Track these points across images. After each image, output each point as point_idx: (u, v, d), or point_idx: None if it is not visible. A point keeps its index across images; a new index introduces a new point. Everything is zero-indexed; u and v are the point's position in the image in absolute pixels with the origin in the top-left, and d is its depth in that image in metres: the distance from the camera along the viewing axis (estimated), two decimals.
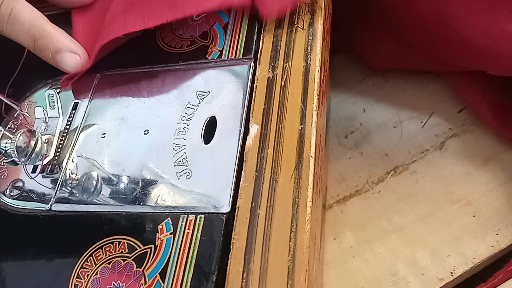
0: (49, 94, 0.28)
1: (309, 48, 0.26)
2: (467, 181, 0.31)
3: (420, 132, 0.35)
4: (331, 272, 0.30)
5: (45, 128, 0.28)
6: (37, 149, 0.26)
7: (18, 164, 0.27)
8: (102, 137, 0.27)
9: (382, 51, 0.35)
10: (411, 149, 0.34)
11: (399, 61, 0.35)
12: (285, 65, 0.26)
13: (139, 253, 0.23)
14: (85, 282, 0.23)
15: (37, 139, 0.26)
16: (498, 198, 0.30)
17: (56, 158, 0.27)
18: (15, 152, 0.25)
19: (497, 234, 0.29)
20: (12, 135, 0.26)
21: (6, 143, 0.26)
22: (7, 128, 0.30)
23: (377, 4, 0.32)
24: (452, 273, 0.28)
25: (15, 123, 0.30)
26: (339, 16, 0.36)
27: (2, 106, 0.31)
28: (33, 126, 0.29)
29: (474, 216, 0.30)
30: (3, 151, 0.26)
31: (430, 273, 0.29)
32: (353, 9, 0.35)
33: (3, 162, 0.28)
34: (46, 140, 0.27)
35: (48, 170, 0.27)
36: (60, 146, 0.27)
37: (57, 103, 0.29)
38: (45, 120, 0.28)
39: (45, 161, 0.26)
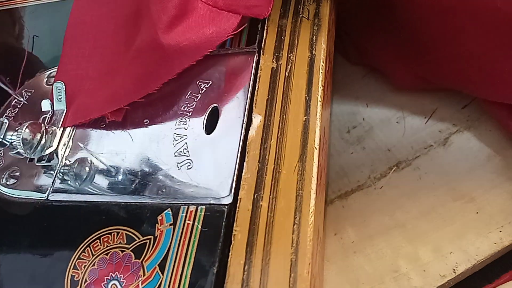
0: (57, 87, 0.28)
1: (314, 38, 0.25)
2: (470, 177, 0.31)
3: (424, 127, 0.34)
4: (332, 267, 0.30)
5: (50, 120, 0.28)
6: (43, 141, 0.26)
7: (23, 156, 0.26)
8: (101, 126, 0.27)
9: (409, 76, 0.33)
10: (414, 144, 0.34)
11: (427, 84, 0.33)
12: (289, 55, 0.25)
13: (138, 244, 0.22)
14: (82, 273, 0.22)
15: (43, 132, 0.26)
16: (501, 195, 0.30)
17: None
18: (21, 144, 0.25)
19: (500, 231, 0.28)
20: (17, 127, 0.25)
21: (12, 135, 0.25)
22: (4, 116, 0.29)
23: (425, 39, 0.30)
24: (454, 270, 0.28)
25: (13, 111, 0.29)
26: (361, 33, 0.35)
27: None
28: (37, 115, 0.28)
29: (477, 212, 0.30)
30: (8, 143, 0.25)
31: (432, 270, 0.28)
32: (381, 31, 0.33)
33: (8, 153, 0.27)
34: (51, 132, 0.27)
35: (47, 158, 0.26)
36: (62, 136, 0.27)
37: (64, 96, 0.28)
38: (51, 112, 0.28)
39: (47, 152, 0.26)
